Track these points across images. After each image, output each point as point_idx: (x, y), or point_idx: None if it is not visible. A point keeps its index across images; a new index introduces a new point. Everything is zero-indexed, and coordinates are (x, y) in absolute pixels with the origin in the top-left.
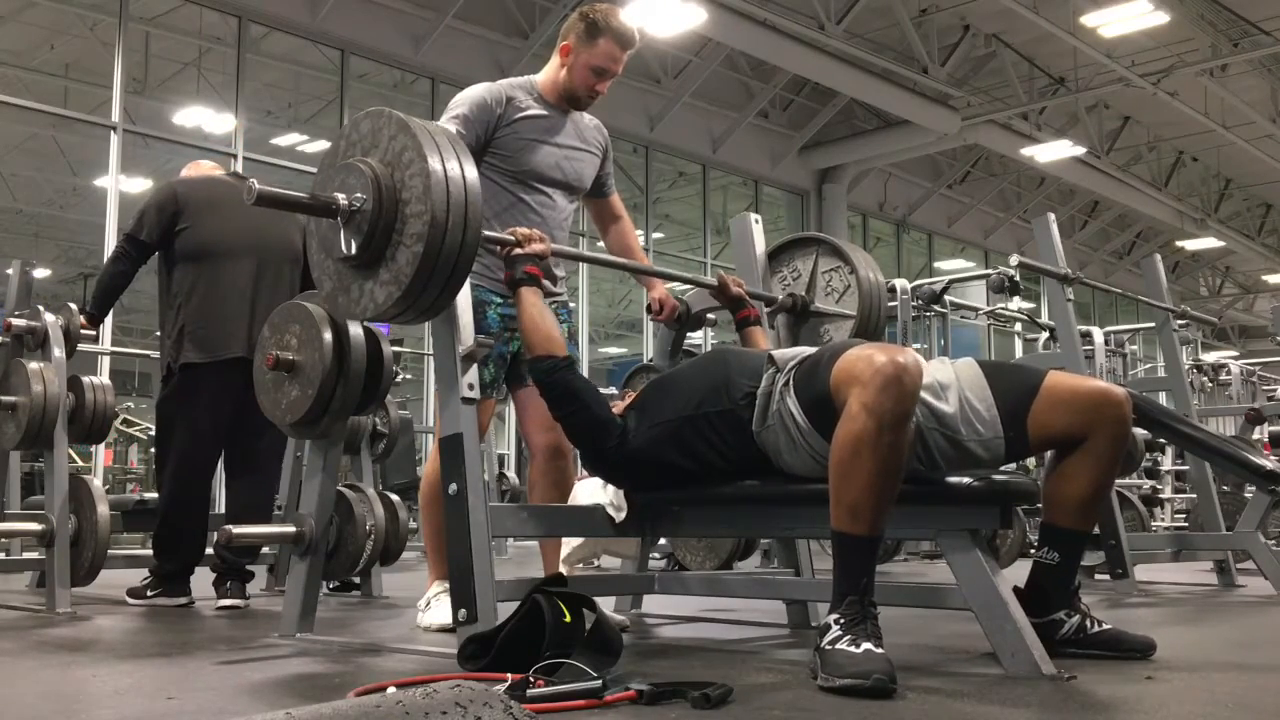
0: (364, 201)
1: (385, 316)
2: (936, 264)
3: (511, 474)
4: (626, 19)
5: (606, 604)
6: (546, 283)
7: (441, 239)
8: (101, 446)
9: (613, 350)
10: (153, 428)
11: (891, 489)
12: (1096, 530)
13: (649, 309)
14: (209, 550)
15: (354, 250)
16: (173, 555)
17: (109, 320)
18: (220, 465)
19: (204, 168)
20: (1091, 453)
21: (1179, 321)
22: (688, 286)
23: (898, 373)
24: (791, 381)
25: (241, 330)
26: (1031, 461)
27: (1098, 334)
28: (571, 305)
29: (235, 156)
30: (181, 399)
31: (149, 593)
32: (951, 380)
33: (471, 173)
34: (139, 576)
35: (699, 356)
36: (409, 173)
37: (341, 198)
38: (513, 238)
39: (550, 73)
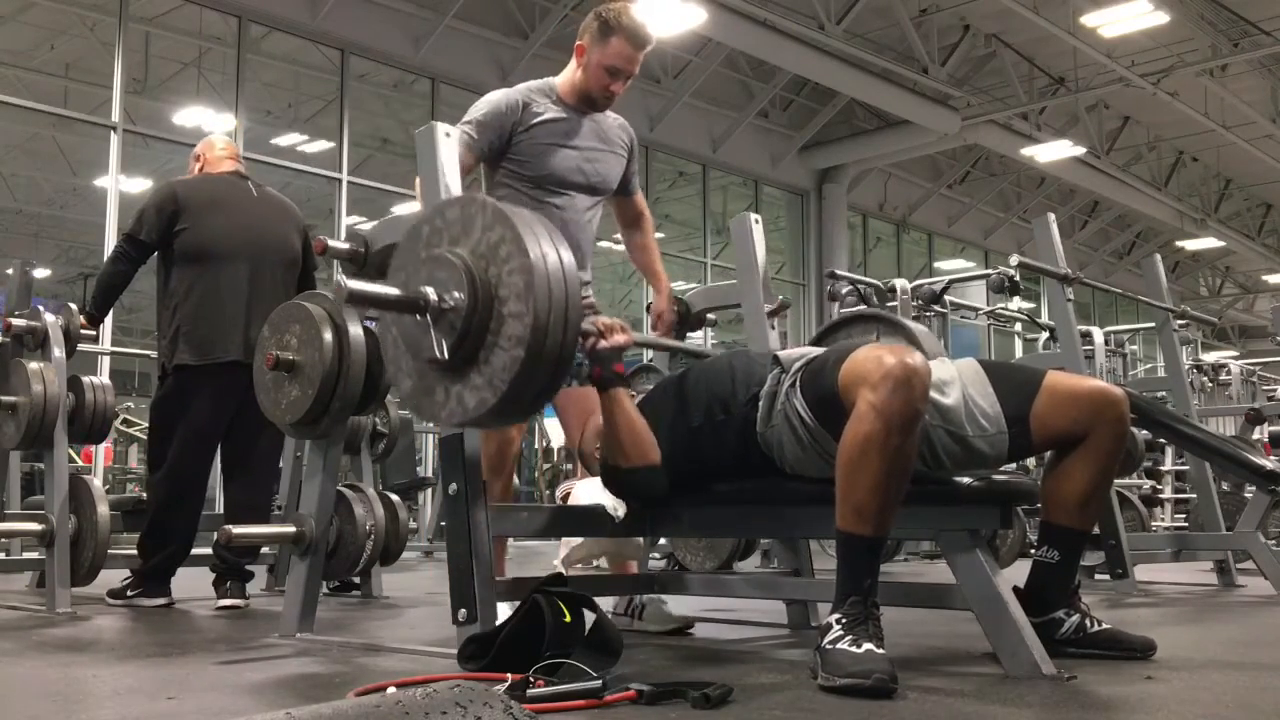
0: (459, 300)
1: (473, 424)
2: (936, 264)
3: None
4: (640, 16)
5: (606, 604)
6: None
7: (543, 342)
8: (101, 446)
9: None
10: None
11: (898, 491)
12: (1096, 530)
13: (649, 309)
14: (208, 550)
15: (447, 353)
16: (157, 555)
17: (109, 320)
18: (217, 466)
19: (216, 148)
20: (1091, 450)
21: (1179, 321)
22: (691, 286)
23: (907, 375)
24: (798, 382)
25: (237, 334)
26: (1031, 462)
27: (1098, 334)
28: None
29: None
30: (175, 401)
31: (129, 593)
32: (953, 376)
33: (569, 260)
34: None
35: (704, 362)
36: (506, 268)
37: (431, 293)
38: (593, 328)
39: (568, 73)
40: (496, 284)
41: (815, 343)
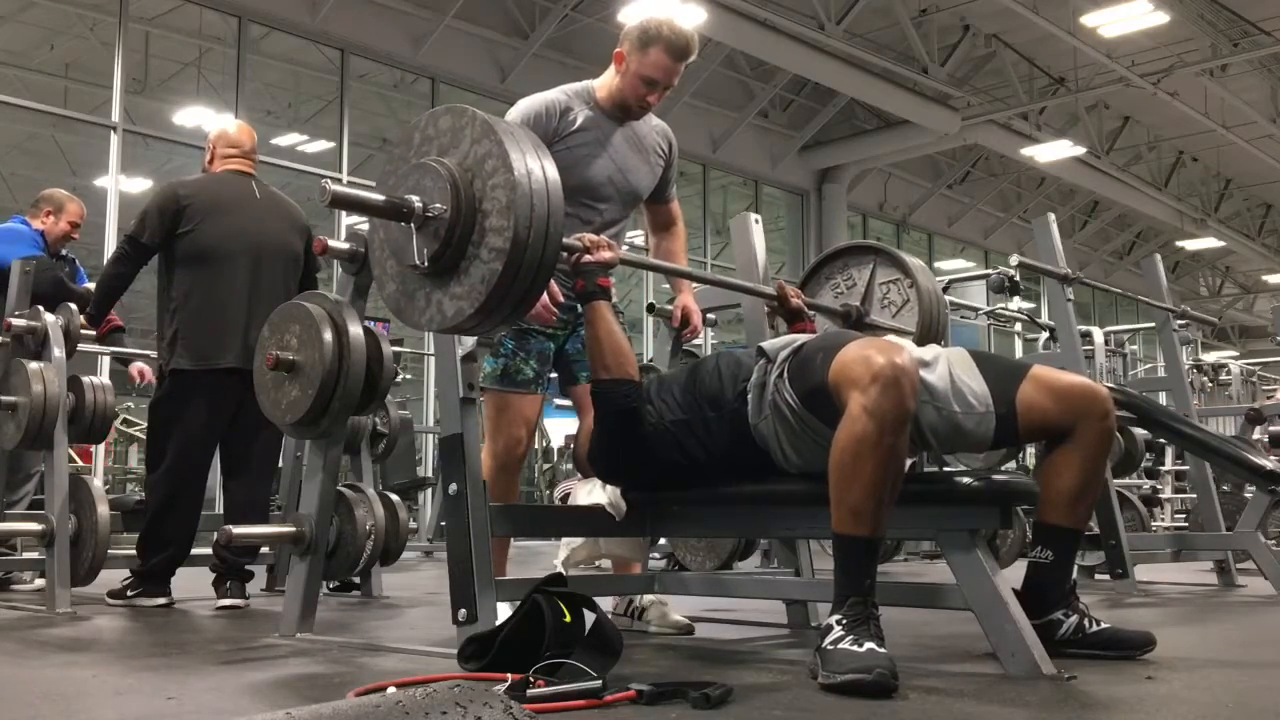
0: (442, 210)
1: (452, 330)
2: (936, 264)
3: None
4: (683, 28)
5: (606, 604)
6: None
7: (521, 256)
8: (101, 446)
9: None
10: None
11: (892, 490)
12: (1096, 530)
13: (649, 309)
14: (208, 550)
15: (427, 260)
16: (157, 556)
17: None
18: (217, 466)
19: (227, 140)
20: (1078, 446)
21: (1179, 321)
22: (696, 287)
23: (896, 375)
24: (786, 372)
25: (236, 340)
26: (1031, 460)
27: (1098, 334)
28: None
29: None
30: (173, 404)
31: (129, 593)
32: (937, 355)
33: (554, 176)
34: None
35: (695, 363)
36: (491, 182)
37: (416, 201)
38: (580, 244)
39: (606, 79)
40: (481, 197)
41: (811, 273)
